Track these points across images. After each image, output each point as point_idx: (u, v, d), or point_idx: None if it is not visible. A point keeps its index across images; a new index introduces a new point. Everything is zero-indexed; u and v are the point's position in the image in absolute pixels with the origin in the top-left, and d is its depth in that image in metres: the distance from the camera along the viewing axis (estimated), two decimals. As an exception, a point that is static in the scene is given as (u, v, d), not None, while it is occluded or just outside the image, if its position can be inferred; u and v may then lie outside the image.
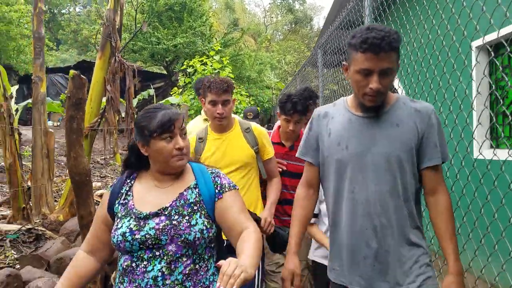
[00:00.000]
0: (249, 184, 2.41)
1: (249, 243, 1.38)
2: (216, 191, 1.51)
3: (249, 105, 9.79)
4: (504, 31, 3.04)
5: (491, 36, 2.80)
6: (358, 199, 1.55)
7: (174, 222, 1.40)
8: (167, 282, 1.35)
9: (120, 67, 4.34)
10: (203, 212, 1.46)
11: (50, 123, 16.65)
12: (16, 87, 6.86)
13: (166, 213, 1.42)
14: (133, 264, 1.38)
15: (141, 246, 1.37)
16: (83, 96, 2.64)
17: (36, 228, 4.05)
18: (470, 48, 3.46)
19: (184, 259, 1.39)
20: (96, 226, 1.55)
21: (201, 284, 1.42)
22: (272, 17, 38.69)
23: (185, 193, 1.48)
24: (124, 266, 1.40)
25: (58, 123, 16.12)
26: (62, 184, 6.37)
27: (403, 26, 3.08)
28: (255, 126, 2.51)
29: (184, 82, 8.00)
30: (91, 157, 6.42)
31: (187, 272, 1.38)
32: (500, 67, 3.19)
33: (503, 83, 3.64)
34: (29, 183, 4.48)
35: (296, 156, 1.83)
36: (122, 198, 1.50)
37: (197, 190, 1.50)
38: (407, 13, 3.04)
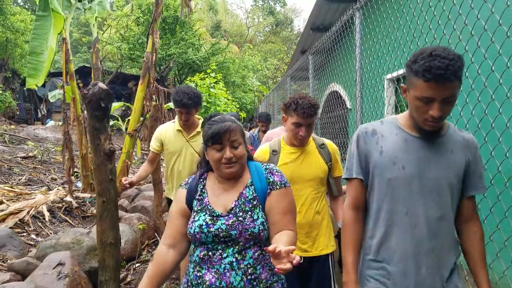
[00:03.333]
0: (320, 198, 2.48)
1: (284, 236, 1.56)
2: (268, 187, 1.68)
3: (235, 108, 12.12)
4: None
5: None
6: (412, 222, 1.56)
7: (240, 218, 1.61)
8: (241, 266, 1.58)
9: (155, 90, 6.68)
10: (260, 207, 1.65)
11: (52, 122, 18.78)
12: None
13: (232, 212, 1.64)
14: (210, 253, 1.61)
15: (214, 238, 1.60)
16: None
17: (102, 195, 6.41)
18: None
19: (252, 246, 1.62)
20: (174, 221, 1.75)
21: (268, 267, 1.64)
22: (254, 19, 40.73)
23: (243, 191, 1.68)
24: (201, 256, 1.62)
25: (60, 122, 18.18)
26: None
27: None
28: (329, 142, 2.58)
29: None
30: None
31: (256, 256, 1.61)
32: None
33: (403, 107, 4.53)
34: (92, 166, 6.81)
35: (343, 177, 1.80)
36: (198, 194, 1.74)
37: (253, 187, 1.69)
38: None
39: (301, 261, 1.34)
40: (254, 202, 1.65)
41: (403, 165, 1.57)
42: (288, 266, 1.26)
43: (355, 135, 1.73)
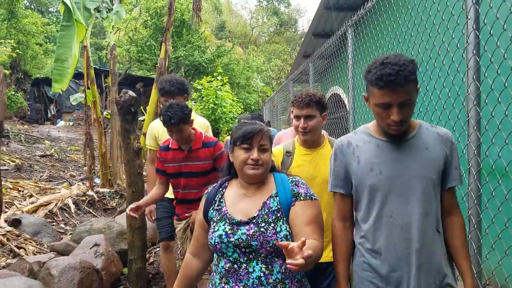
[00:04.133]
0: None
1: (310, 242, 1.49)
2: (293, 198, 1.65)
3: (240, 109, 12.67)
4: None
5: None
6: (398, 223, 1.61)
7: (262, 229, 1.59)
8: (270, 281, 1.57)
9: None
10: (285, 219, 1.63)
11: (62, 122, 19.45)
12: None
13: (254, 221, 1.62)
14: (235, 266, 1.60)
15: (235, 248, 1.60)
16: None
17: (119, 191, 7.01)
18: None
19: (276, 259, 1.59)
20: (196, 231, 1.83)
21: (296, 279, 1.63)
22: (258, 19, 41.27)
23: (267, 201, 1.66)
24: (227, 268, 1.62)
25: (70, 123, 18.86)
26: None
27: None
28: None
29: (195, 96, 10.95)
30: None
31: (283, 270, 1.59)
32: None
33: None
34: (110, 164, 7.42)
35: (328, 190, 1.84)
36: (216, 204, 1.74)
37: (277, 198, 1.67)
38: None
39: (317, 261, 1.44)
40: (278, 214, 1.63)
41: (380, 170, 1.64)
42: (300, 261, 1.25)
43: (333, 149, 1.80)
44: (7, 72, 14.51)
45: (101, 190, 6.98)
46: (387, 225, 1.63)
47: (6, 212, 5.15)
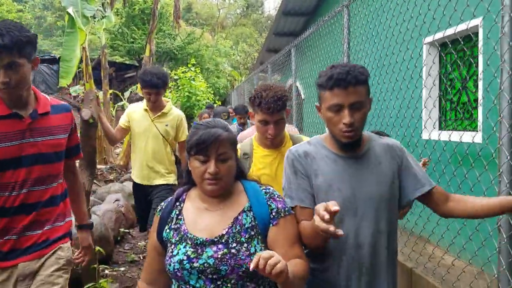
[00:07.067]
0: None
1: (295, 262, 1.37)
2: (271, 216, 1.45)
3: (211, 95, 14.38)
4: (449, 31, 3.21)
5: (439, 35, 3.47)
6: (350, 243, 1.58)
7: (233, 250, 1.37)
8: None
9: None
10: (259, 237, 1.43)
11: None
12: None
13: (223, 240, 1.39)
14: None
15: (199, 275, 1.36)
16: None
17: (114, 167, 8.75)
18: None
19: (248, 283, 1.39)
20: (149, 254, 1.58)
21: None
22: (225, 0, 42.43)
23: (239, 217, 1.44)
24: None
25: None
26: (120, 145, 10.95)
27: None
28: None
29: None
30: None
31: None
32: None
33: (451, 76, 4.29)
34: (105, 145, 9.13)
35: (297, 205, 1.61)
36: (173, 223, 1.49)
37: (251, 213, 1.45)
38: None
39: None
40: (252, 232, 1.42)
41: (338, 188, 1.59)
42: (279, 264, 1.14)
43: (288, 158, 1.69)
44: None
45: (98, 166, 8.68)
46: (346, 246, 1.59)
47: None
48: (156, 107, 3.63)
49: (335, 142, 1.64)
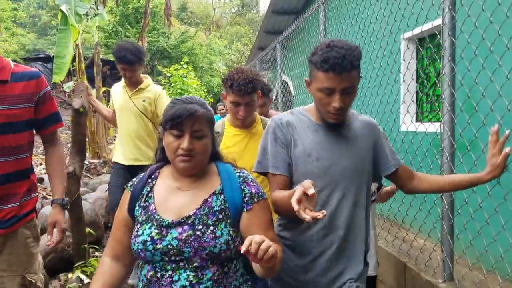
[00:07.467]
0: (266, 188, 2.06)
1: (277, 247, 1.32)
2: (244, 200, 1.44)
3: (204, 93, 14.62)
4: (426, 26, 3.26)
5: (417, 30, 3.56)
6: (329, 213, 1.60)
7: (198, 232, 1.36)
8: None
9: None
10: (228, 221, 1.41)
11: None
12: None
13: (189, 222, 1.38)
14: (158, 275, 1.37)
15: (162, 256, 1.36)
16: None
17: (107, 162, 8.99)
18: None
19: (211, 265, 1.37)
20: (117, 230, 1.52)
21: (232, 286, 1.42)
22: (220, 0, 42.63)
23: (209, 199, 1.43)
24: (148, 277, 1.39)
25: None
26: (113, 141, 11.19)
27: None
28: None
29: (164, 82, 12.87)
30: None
31: (215, 278, 1.37)
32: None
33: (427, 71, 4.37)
34: (97, 140, 9.36)
35: (270, 172, 1.65)
36: (143, 200, 1.47)
37: (222, 196, 1.44)
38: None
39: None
40: (220, 216, 1.40)
41: (317, 157, 1.61)
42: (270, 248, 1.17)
43: (269, 127, 1.70)
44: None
45: (91, 160, 8.92)
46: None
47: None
48: (132, 83, 3.58)
49: (320, 117, 1.67)
